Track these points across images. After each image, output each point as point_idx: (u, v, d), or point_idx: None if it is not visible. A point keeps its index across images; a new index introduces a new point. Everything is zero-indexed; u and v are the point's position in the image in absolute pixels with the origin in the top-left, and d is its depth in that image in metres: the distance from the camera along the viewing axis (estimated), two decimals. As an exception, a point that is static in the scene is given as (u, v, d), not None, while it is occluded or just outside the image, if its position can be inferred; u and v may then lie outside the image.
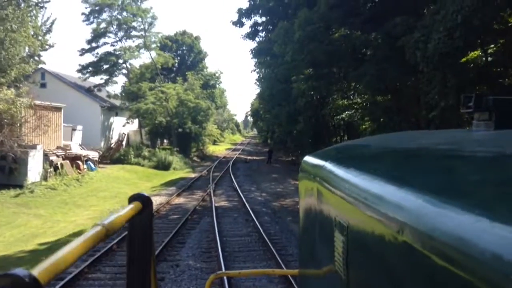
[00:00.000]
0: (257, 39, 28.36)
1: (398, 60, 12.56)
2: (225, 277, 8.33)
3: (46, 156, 23.19)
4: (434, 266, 0.71)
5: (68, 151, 26.17)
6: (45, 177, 21.83)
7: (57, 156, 24.59)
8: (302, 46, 15.22)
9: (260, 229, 13.31)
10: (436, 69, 10.53)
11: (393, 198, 0.97)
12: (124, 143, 40.59)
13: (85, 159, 26.52)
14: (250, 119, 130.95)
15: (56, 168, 23.43)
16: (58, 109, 27.19)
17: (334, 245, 1.43)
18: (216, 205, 17.96)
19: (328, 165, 1.75)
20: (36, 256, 11.42)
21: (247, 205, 17.62)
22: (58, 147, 26.34)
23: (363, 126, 28.88)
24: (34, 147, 21.32)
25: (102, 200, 20.84)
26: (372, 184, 1.16)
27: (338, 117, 29.52)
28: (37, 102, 22.35)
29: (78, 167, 25.05)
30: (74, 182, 23.13)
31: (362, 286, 1.20)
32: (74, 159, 25.33)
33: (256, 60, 32.59)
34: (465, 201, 0.76)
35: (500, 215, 0.63)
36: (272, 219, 15.47)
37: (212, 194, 20.32)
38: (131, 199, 1.39)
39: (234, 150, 63.90)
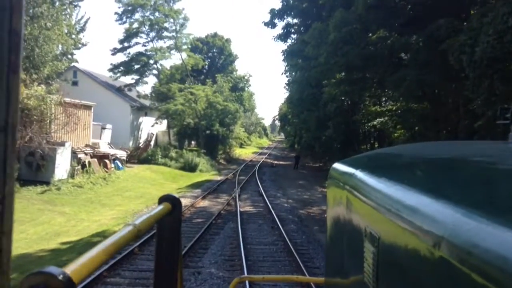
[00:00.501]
0: (289, 41, 27.66)
1: (440, 65, 11.76)
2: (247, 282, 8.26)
3: (74, 153, 23.28)
4: (473, 284, 0.67)
5: (96, 150, 26.25)
6: (72, 175, 21.88)
7: (85, 154, 24.67)
8: (336, 49, 14.50)
9: (286, 237, 12.74)
10: (483, 75, 9.75)
11: (430, 211, 0.93)
12: (152, 143, 40.72)
13: (112, 158, 26.55)
14: (277, 123, 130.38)
15: (83, 166, 23.49)
16: (88, 107, 27.38)
17: (364, 256, 1.39)
18: (241, 210, 17.49)
19: (359, 173, 1.70)
20: (56, 256, 11.20)
21: (272, 211, 17.08)
22: (86, 145, 26.46)
23: (395, 135, 27.97)
24: (62, 144, 21.39)
25: (127, 200, 20.70)
26: (406, 195, 1.12)
27: (369, 124, 28.69)
28: (67, 99, 22.45)
29: (105, 166, 25.08)
30: (100, 181, 23.11)
31: None
32: (102, 158, 25.39)
33: (287, 62, 31.86)
34: (507, 217, 0.71)
35: None
36: (298, 228, 14.87)
37: (237, 199, 19.87)
38: (161, 200, 1.41)
39: (260, 154, 63.45)
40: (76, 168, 22.40)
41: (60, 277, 0.66)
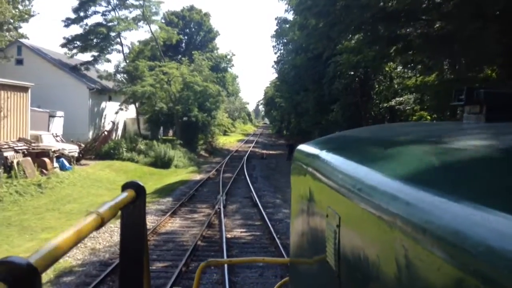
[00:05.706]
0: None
1: None
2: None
3: (-3, 151, 16.97)
4: (428, 258, 0.70)
5: (33, 145, 19.86)
6: (-13, 183, 15.54)
7: (16, 151, 18.31)
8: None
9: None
10: None
11: (387, 190, 0.94)
12: (119, 133, 34.30)
13: (56, 155, 20.16)
14: (261, 108, 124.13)
15: (9, 168, 17.14)
16: (22, 88, 20.79)
17: (326, 236, 1.40)
18: (228, 236, 11.54)
19: (322, 155, 1.69)
20: None
21: (276, 237, 11.17)
22: (20, 139, 20.03)
23: (414, 118, 22.43)
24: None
25: (65, 217, 14.51)
26: (365, 175, 1.12)
27: (391, 103, 22.83)
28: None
29: (43, 166, 18.72)
30: (33, 189, 16.78)
31: (353, 278, 1.18)
32: (39, 156, 19.02)
33: (295, 16, 23.48)
34: (459, 193, 0.74)
35: (494, 209, 0.63)
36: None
37: (222, 213, 13.87)
38: (125, 187, 1.36)
39: (246, 142, 57.23)
40: (-4, 172, 16.05)
41: (24, 266, 0.64)
